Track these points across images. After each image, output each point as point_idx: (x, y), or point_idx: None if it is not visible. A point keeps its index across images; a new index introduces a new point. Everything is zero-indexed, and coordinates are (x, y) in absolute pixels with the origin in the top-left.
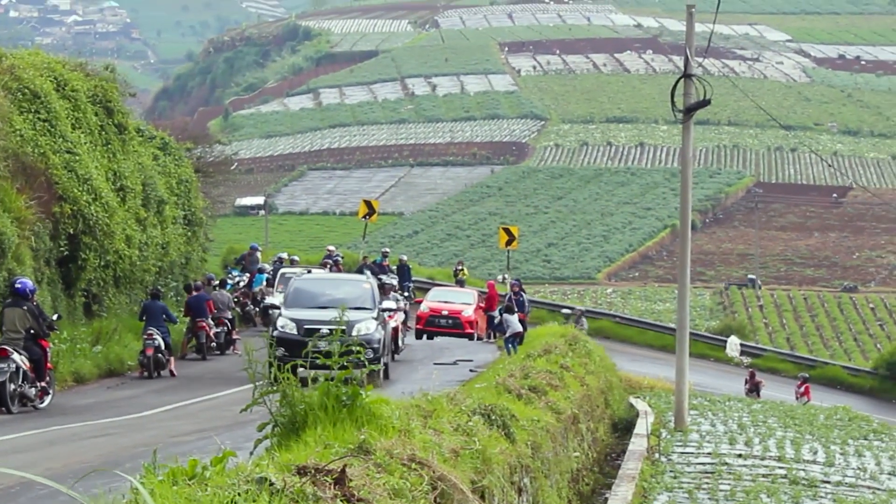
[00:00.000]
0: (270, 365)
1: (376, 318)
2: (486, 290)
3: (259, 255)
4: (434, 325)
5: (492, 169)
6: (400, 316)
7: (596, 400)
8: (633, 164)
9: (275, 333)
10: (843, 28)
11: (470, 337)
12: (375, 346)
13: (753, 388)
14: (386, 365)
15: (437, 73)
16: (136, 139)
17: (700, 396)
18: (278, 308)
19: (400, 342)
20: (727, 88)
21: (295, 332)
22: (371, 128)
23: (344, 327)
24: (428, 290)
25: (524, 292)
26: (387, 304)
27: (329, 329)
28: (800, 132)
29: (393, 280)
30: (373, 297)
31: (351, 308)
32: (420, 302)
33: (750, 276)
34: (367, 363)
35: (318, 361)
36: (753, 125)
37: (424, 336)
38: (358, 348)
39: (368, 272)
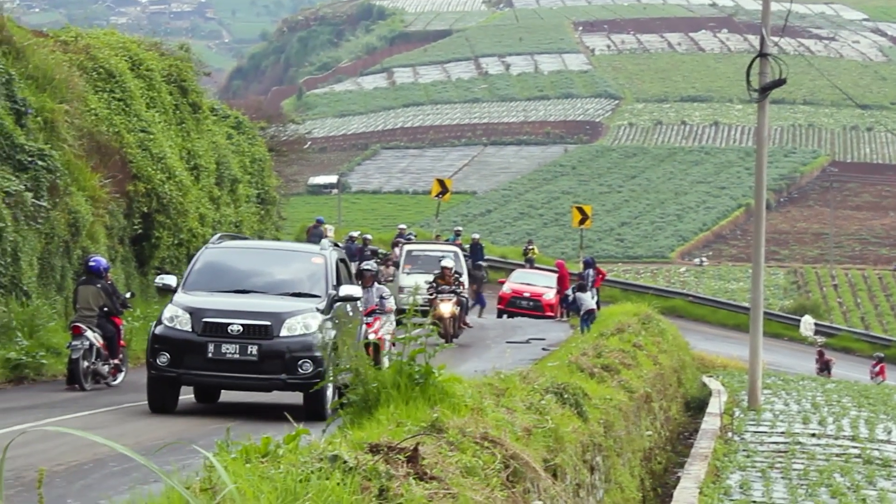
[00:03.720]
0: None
1: (324, 312)
2: (557, 270)
3: (323, 228)
4: (515, 307)
5: (565, 148)
6: (387, 324)
7: (669, 379)
8: (708, 144)
9: (157, 330)
10: None
11: (550, 319)
12: (318, 354)
13: (824, 367)
14: (342, 388)
15: (510, 52)
16: (210, 118)
17: (773, 375)
18: (172, 291)
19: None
20: (803, 67)
21: (188, 327)
22: (444, 107)
23: (267, 323)
24: (501, 269)
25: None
26: (347, 290)
27: (241, 326)
28: (876, 111)
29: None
30: (325, 280)
31: (287, 294)
32: (503, 283)
33: None
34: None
35: (221, 377)
36: (829, 104)
37: (504, 316)
38: (303, 357)
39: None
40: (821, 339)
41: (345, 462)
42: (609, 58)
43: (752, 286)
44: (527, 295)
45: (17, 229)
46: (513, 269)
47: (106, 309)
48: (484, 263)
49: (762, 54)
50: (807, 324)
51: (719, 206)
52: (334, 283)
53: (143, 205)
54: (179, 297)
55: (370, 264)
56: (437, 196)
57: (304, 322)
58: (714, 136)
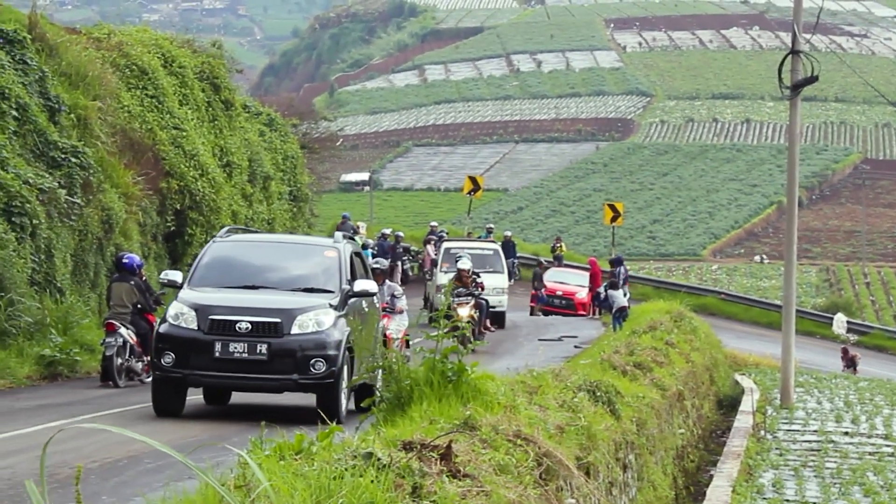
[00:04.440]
0: (154, 382)
1: (337, 308)
2: (589, 267)
3: (355, 224)
4: (548, 305)
5: (597, 145)
6: (400, 323)
7: (701, 377)
8: (739, 141)
9: (161, 328)
10: None
11: (582, 317)
12: (331, 352)
13: (850, 364)
14: (373, 388)
15: (542, 49)
16: (242, 115)
17: (806, 374)
18: (178, 287)
19: None
20: (835, 65)
21: (194, 325)
22: (476, 104)
23: (277, 320)
24: (532, 266)
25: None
26: (362, 284)
27: (250, 323)
28: None
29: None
30: (339, 274)
31: (299, 290)
32: None
33: None
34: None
35: (228, 377)
36: (861, 101)
37: (539, 313)
38: (314, 356)
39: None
40: (853, 338)
41: (378, 459)
42: (640, 55)
43: (785, 284)
44: (560, 293)
45: (51, 226)
46: (546, 268)
47: (139, 306)
48: (517, 261)
49: (794, 51)
50: (839, 322)
51: (751, 204)
52: (348, 277)
53: (175, 202)
54: (185, 293)
55: (380, 261)
56: (468, 193)
57: (316, 319)
58: (746, 133)
